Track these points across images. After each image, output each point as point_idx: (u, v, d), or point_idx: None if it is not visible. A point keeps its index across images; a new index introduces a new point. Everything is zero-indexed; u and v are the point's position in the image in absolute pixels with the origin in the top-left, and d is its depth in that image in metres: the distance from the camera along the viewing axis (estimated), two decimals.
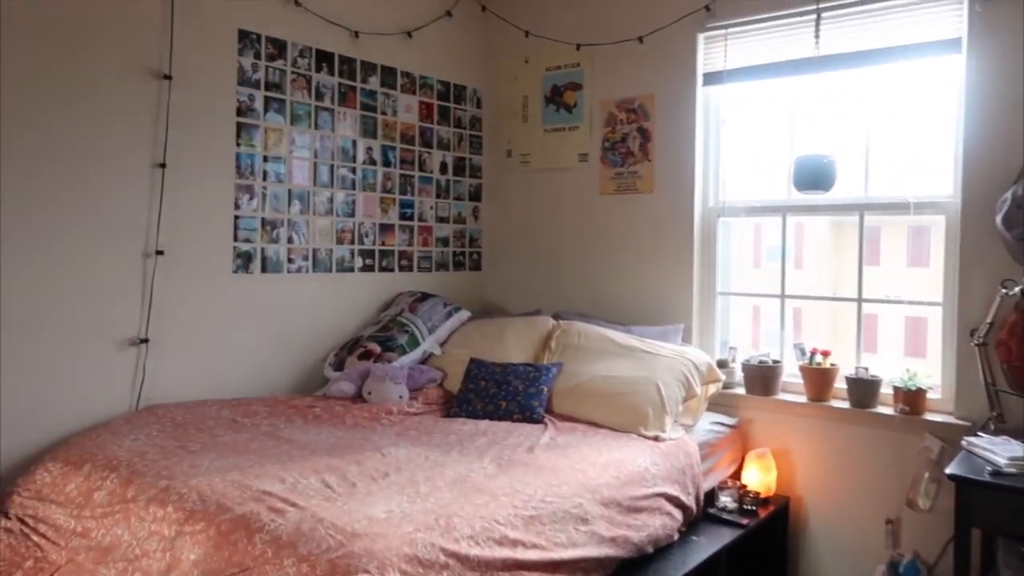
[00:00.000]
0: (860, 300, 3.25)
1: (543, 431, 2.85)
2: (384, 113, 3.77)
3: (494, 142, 4.27)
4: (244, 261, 3.23)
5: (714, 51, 3.50)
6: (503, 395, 3.11)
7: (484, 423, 2.96)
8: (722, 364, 3.41)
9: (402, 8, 3.81)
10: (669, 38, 3.57)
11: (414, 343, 3.49)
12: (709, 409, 3.29)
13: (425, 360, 3.53)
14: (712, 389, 3.24)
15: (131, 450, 2.43)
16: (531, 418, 3.01)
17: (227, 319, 3.18)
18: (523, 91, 4.13)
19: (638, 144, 3.71)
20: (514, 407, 3.06)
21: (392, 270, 3.84)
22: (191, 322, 3.06)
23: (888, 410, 3.04)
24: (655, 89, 3.66)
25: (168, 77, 2.93)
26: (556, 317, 3.68)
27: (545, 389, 3.11)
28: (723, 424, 3.26)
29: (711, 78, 3.51)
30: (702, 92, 3.55)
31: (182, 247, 3.01)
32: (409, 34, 3.82)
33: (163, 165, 2.93)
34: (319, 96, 3.48)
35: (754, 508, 2.97)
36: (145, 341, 2.91)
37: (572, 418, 3.03)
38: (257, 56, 3.24)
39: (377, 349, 3.40)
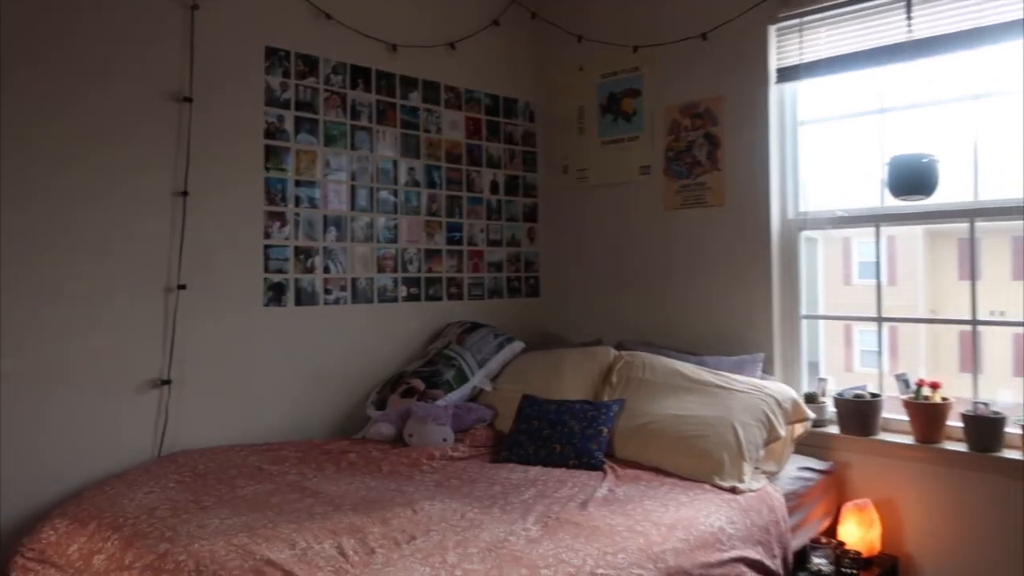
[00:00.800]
0: (975, 322, 2.78)
1: (601, 480, 2.50)
2: (427, 131, 3.51)
3: (549, 158, 3.96)
4: (276, 293, 3.01)
5: (788, 44, 3.12)
6: (557, 438, 2.77)
7: (535, 470, 2.64)
8: (811, 399, 2.99)
9: (444, 18, 3.57)
10: (737, 33, 3.20)
11: (461, 378, 3.19)
12: (796, 452, 2.87)
13: (474, 397, 3.23)
14: (799, 429, 2.82)
15: (141, 505, 2.24)
16: (588, 464, 2.66)
17: (258, 356, 2.96)
18: (578, 101, 3.81)
19: (705, 152, 3.34)
20: (570, 452, 2.71)
21: (440, 299, 3.56)
22: (218, 361, 2.84)
23: (1016, 454, 2.56)
24: (723, 90, 3.28)
25: (188, 99, 2.75)
26: (618, 347, 3.32)
27: (604, 430, 2.76)
28: (813, 470, 2.83)
29: (786, 74, 3.12)
30: (776, 90, 3.17)
31: (207, 280, 2.81)
32: (452, 45, 3.57)
33: (185, 193, 2.74)
34: (355, 114, 3.25)
35: (855, 571, 2.57)
36: (167, 383, 2.71)
37: (635, 464, 2.68)
38: (286, 74, 3.04)
39: (421, 386, 3.12)
